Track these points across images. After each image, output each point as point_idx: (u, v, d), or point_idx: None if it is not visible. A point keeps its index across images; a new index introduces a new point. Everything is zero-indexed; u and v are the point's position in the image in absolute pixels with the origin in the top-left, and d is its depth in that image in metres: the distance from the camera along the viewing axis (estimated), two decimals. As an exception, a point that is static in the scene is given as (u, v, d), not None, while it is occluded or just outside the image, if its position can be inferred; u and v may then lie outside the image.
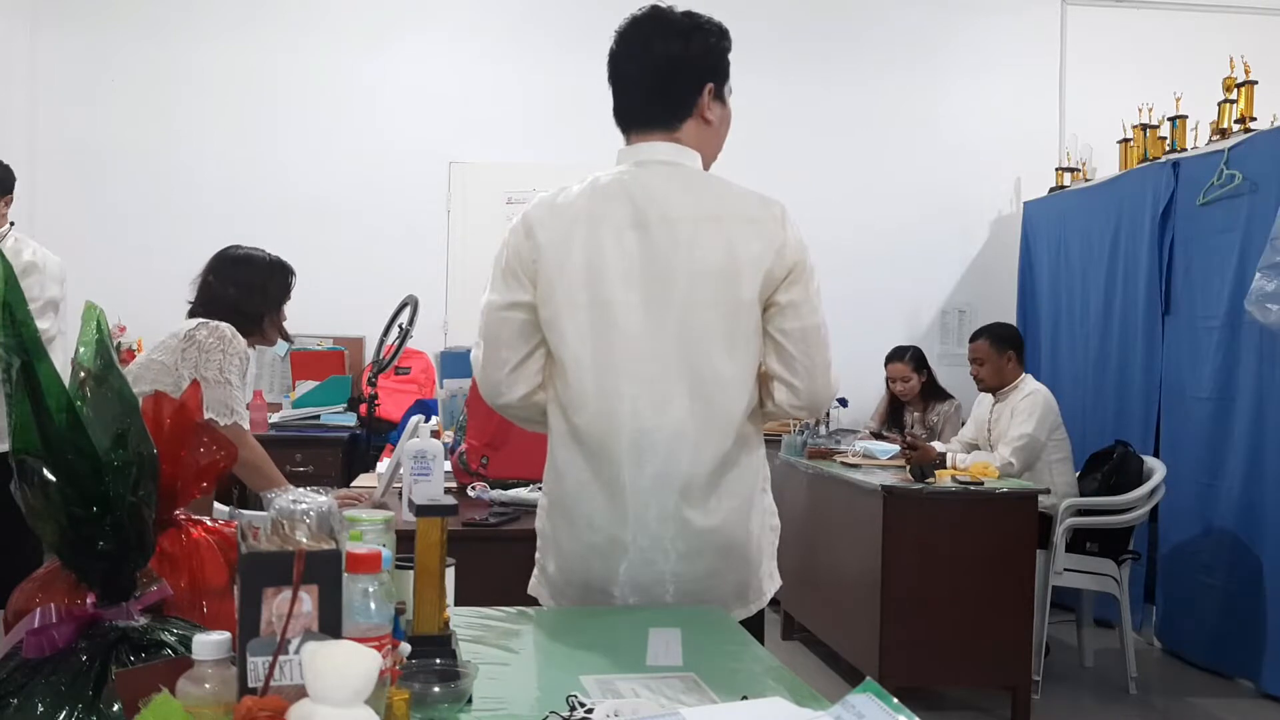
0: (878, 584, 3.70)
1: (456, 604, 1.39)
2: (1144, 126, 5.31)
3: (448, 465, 2.76)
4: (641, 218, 1.76)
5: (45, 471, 1.01)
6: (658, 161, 1.81)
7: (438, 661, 1.21)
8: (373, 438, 4.33)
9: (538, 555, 1.89)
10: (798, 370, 1.79)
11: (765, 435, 1.88)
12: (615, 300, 1.74)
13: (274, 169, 5.75)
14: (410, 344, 4.25)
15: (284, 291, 2.96)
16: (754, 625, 1.78)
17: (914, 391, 5.22)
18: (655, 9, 1.84)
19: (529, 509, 2.58)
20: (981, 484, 3.85)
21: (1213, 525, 4.44)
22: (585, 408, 1.75)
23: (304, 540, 0.95)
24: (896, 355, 5.28)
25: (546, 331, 1.78)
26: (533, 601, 1.85)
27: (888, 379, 5.31)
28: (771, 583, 1.88)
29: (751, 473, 1.83)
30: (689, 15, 1.85)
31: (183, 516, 1.27)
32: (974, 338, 4.70)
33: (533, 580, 1.89)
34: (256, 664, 0.88)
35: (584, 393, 1.75)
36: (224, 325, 2.72)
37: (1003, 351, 4.57)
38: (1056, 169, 6.08)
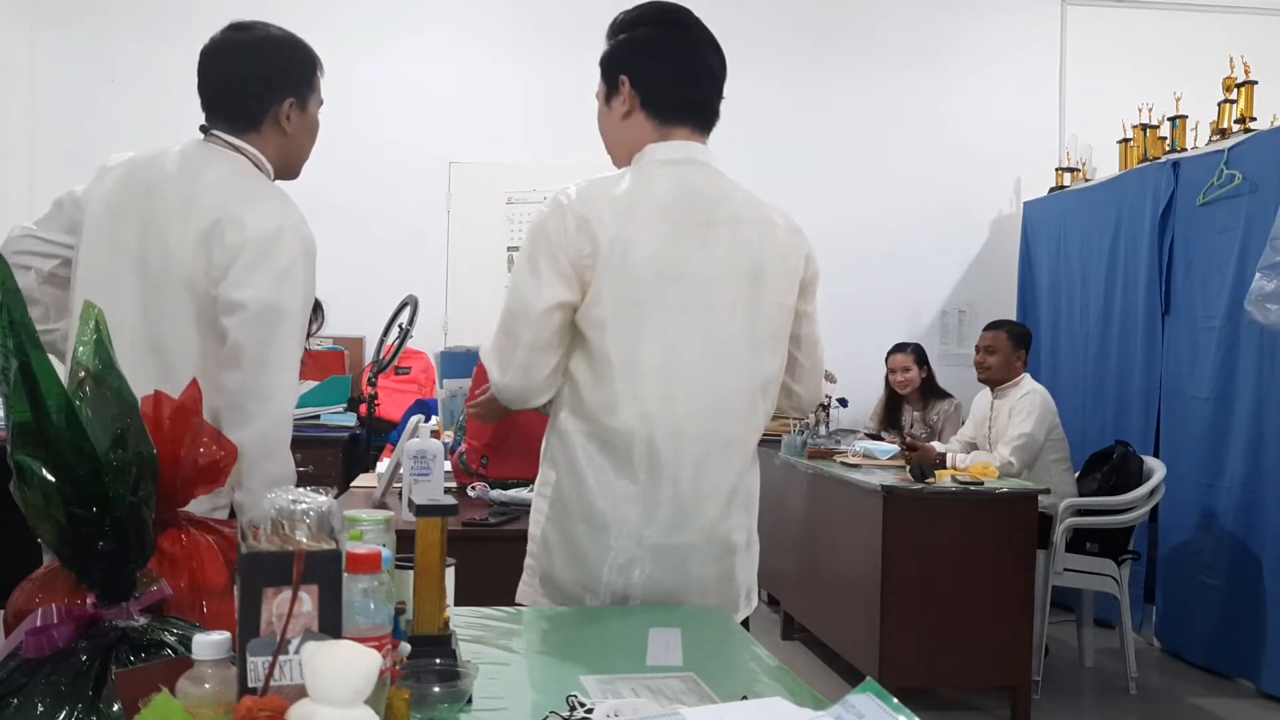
0: (878, 584, 3.69)
1: (456, 604, 1.38)
2: (1144, 126, 5.31)
3: (448, 465, 2.76)
4: (704, 217, 1.70)
5: (45, 471, 1.01)
6: (703, 162, 1.76)
7: (438, 661, 1.21)
8: (373, 438, 4.31)
9: (532, 562, 1.77)
10: (799, 376, 1.84)
11: (765, 435, 1.89)
12: (672, 301, 1.67)
13: (274, 169, 5.74)
14: (410, 344, 4.23)
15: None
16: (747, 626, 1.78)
17: (914, 384, 5.22)
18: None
19: (529, 509, 2.57)
20: (981, 484, 3.85)
21: (1213, 525, 4.44)
22: (626, 410, 1.65)
23: (304, 540, 0.95)
24: (899, 348, 5.31)
25: (591, 331, 1.66)
26: None
27: (888, 372, 5.31)
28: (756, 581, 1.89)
29: (757, 475, 1.84)
30: None
31: (183, 516, 1.27)
32: (990, 327, 4.71)
33: (525, 589, 1.77)
34: (256, 664, 0.88)
35: (631, 395, 1.65)
36: None
37: (1017, 349, 4.61)
38: (1056, 169, 6.08)
